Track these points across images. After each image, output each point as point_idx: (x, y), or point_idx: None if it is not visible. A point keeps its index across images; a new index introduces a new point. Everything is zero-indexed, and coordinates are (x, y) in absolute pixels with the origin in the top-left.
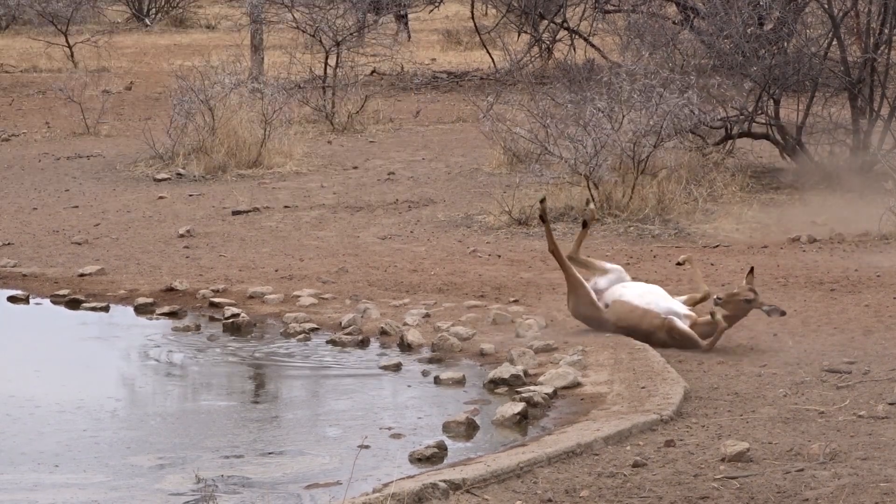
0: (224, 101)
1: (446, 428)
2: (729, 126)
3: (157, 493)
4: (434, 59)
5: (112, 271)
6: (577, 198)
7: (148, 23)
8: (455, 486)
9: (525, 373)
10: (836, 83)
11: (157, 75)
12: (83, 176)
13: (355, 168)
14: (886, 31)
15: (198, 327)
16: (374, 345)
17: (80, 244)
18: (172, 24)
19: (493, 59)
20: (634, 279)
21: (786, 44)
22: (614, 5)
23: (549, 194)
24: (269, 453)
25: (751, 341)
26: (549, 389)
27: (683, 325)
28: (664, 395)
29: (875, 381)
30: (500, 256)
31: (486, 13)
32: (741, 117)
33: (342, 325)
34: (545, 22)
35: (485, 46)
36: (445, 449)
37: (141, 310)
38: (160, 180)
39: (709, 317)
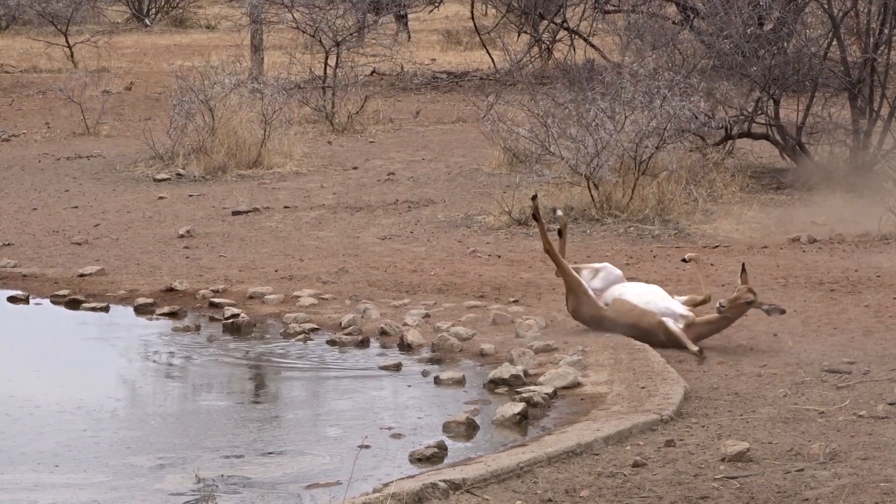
0: (224, 101)
1: (446, 428)
2: (729, 126)
3: (157, 493)
4: (434, 60)
5: (112, 271)
6: (577, 198)
7: (148, 23)
8: (455, 486)
9: (525, 373)
10: (836, 83)
11: (157, 75)
12: (83, 176)
13: (355, 168)
14: (886, 31)
15: (198, 327)
16: (374, 345)
17: (80, 244)
18: (172, 24)
19: (493, 60)
20: (633, 279)
21: (786, 44)
22: (614, 5)
23: (549, 194)
24: (270, 453)
25: (751, 341)
26: (549, 389)
27: (675, 327)
28: (664, 395)
29: (875, 381)
30: (499, 257)
31: (486, 13)
32: (741, 117)
33: (342, 325)
34: (545, 22)
35: (485, 46)
36: (445, 449)
37: (141, 310)
38: (160, 180)
39: (707, 317)
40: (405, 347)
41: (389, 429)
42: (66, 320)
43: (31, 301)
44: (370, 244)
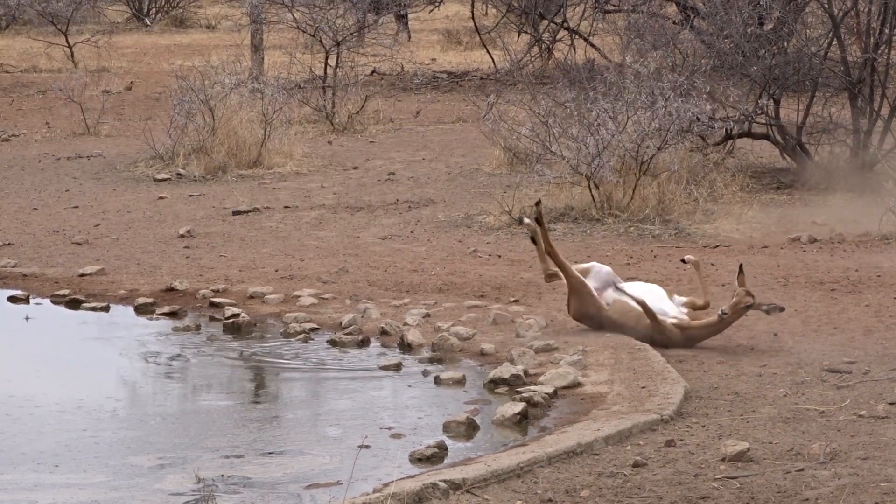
0: (224, 101)
1: (446, 428)
2: (729, 126)
3: (157, 493)
4: (434, 59)
5: (112, 271)
6: (578, 198)
7: (148, 23)
8: (455, 486)
9: (525, 373)
10: (836, 83)
11: (158, 75)
12: (83, 176)
13: (355, 168)
14: (886, 30)
15: (198, 327)
16: (375, 345)
17: (80, 244)
18: (172, 24)
19: (493, 59)
20: (633, 278)
21: (786, 44)
22: (614, 5)
23: (550, 194)
24: (270, 453)
25: (751, 341)
26: (550, 389)
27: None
28: (664, 395)
29: (875, 380)
30: (500, 256)
31: (487, 13)
32: (741, 117)
33: (342, 325)
34: (545, 22)
35: (485, 46)
36: (446, 449)
37: (141, 310)
38: (160, 180)
39: (704, 320)
40: (405, 347)
41: (389, 429)
42: (66, 320)
43: (32, 301)
44: (370, 244)
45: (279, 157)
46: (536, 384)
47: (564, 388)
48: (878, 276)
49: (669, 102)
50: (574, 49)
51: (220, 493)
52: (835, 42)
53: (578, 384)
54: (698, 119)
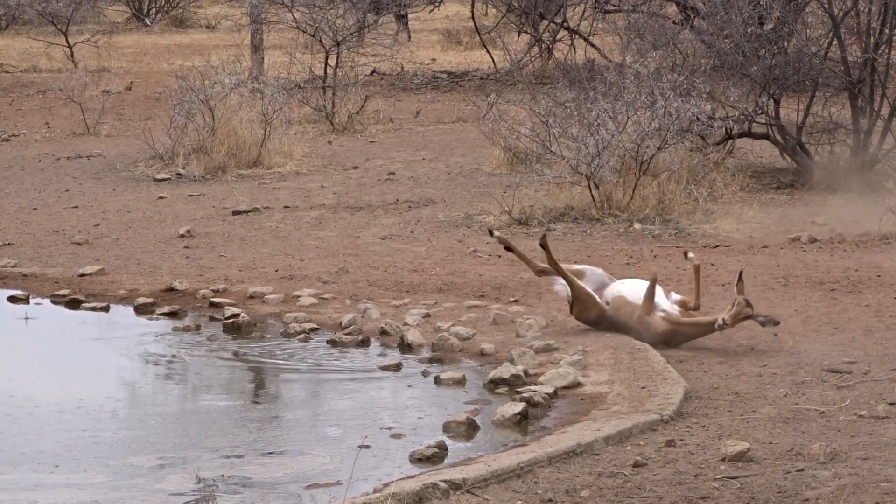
0: (224, 101)
1: (447, 428)
2: (729, 126)
3: (157, 493)
4: (434, 59)
5: (112, 271)
6: (578, 198)
7: (148, 23)
8: (455, 486)
9: (525, 373)
10: (836, 83)
11: (157, 75)
12: (83, 176)
13: (355, 168)
14: (887, 30)
15: (198, 327)
16: (375, 345)
17: (80, 244)
18: (172, 24)
19: (493, 59)
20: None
21: (786, 43)
22: (614, 5)
23: (550, 194)
24: (270, 453)
25: (751, 341)
26: (550, 389)
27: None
28: (664, 395)
29: (875, 380)
30: (500, 256)
31: (487, 13)
32: (741, 117)
33: (342, 325)
34: (545, 22)
35: (485, 46)
36: (446, 449)
37: (141, 310)
38: (160, 180)
39: (694, 319)
40: (405, 347)
41: (389, 429)
42: (66, 320)
43: (32, 301)
44: (370, 244)
45: (279, 157)
46: (536, 384)
47: (564, 388)
48: (878, 276)
49: (669, 102)
50: (574, 49)
51: (220, 493)
52: (835, 42)
53: (578, 384)
54: (698, 118)
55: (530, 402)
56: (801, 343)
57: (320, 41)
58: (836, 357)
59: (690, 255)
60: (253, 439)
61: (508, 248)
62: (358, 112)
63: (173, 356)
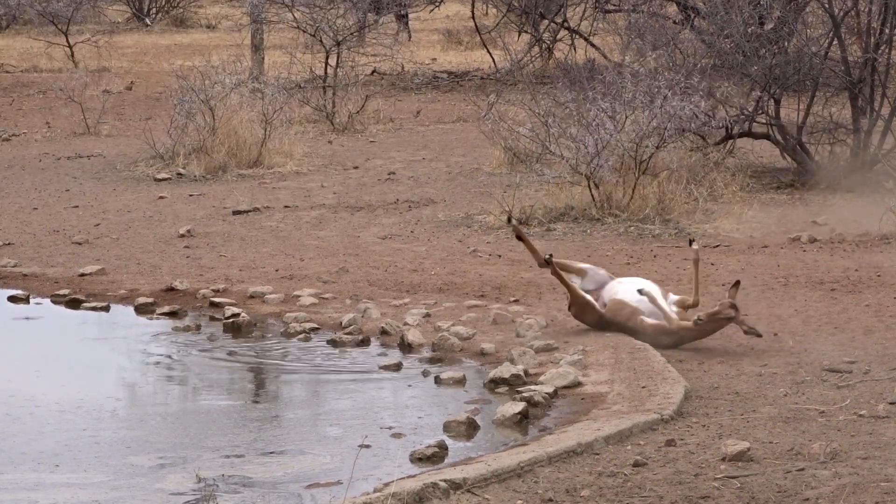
0: (224, 100)
1: (447, 427)
2: (729, 126)
3: (157, 493)
4: (434, 59)
5: (112, 271)
6: (578, 197)
7: (148, 23)
8: (456, 486)
9: (525, 372)
10: (836, 83)
11: (158, 75)
12: (83, 176)
13: (356, 168)
14: (887, 30)
15: (198, 327)
16: (375, 344)
17: (80, 244)
18: (173, 23)
19: (493, 59)
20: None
21: (786, 43)
22: (615, 5)
23: (550, 194)
24: (270, 453)
25: (751, 341)
26: (550, 389)
27: (651, 321)
28: (665, 395)
29: (875, 380)
30: (500, 256)
31: (487, 13)
32: (741, 117)
33: (342, 324)
34: (546, 21)
35: (485, 46)
36: (446, 448)
37: (141, 309)
38: (160, 180)
39: (685, 323)
40: (405, 347)
41: (390, 428)
42: (66, 320)
43: (32, 301)
44: (371, 244)
45: (279, 157)
46: (537, 384)
47: (565, 387)
48: (878, 275)
49: (667, 101)
50: (574, 49)
51: (220, 492)
52: (835, 42)
53: (579, 384)
54: (696, 116)
55: (530, 402)
56: (802, 343)
57: (321, 41)
58: (836, 357)
59: (695, 245)
60: (253, 439)
61: (520, 237)
62: (358, 112)
63: (173, 356)
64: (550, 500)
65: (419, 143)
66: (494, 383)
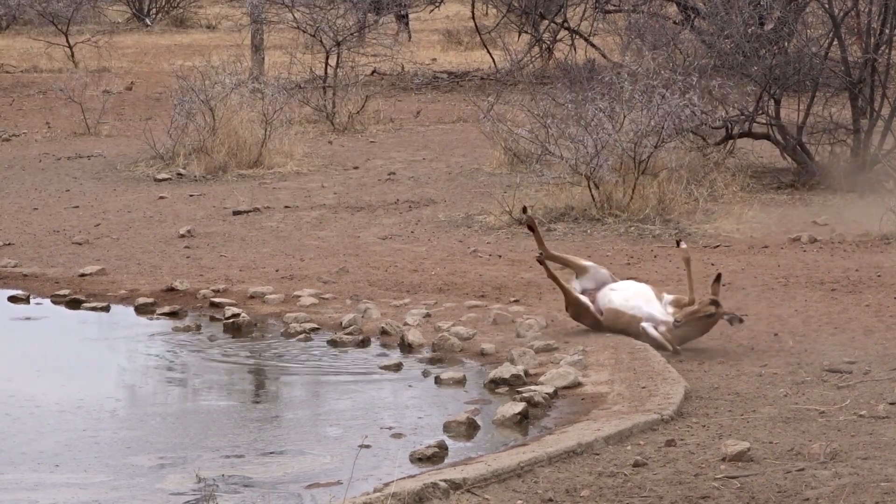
0: (225, 101)
1: (447, 428)
2: (729, 126)
3: (157, 493)
4: (434, 59)
5: (112, 271)
6: (578, 198)
7: (148, 23)
8: (456, 486)
9: (526, 373)
10: (836, 83)
11: (158, 75)
12: (84, 176)
13: (356, 168)
14: (887, 31)
15: (198, 327)
16: (375, 345)
17: (80, 244)
18: (173, 24)
19: (493, 59)
20: (633, 278)
21: (786, 44)
22: (615, 5)
23: (550, 194)
24: (270, 453)
25: (751, 341)
26: (550, 389)
27: (653, 332)
28: (665, 395)
29: (876, 380)
30: (500, 256)
31: (487, 13)
32: (742, 117)
33: (343, 325)
34: (546, 22)
35: (485, 46)
36: (446, 448)
37: (141, 310)
38: (161, 180)
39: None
40: (406, 347)
41: (390, 428)
42: (66, 320)
43: (32, 301)
44: (371, 244)
45: (279, 157)
46: (537, 384)
47: (565, 388)
48: (879, 276)
49: (666, 100)
50: (574, 49)
51: (220, 492)
52: (835, 42)
53: (579, 384)
54: (694, 114)
55: (531, 402)
56: (802, 343)
57: (321, 41)
58: (836, 357)
59: (683, 244)
60: (253, 439)
61: (531, 229)
62: (358, 112)
63: (173, 356)
64: (550, 500)
65: (419, 144)
66: (494, 383)
